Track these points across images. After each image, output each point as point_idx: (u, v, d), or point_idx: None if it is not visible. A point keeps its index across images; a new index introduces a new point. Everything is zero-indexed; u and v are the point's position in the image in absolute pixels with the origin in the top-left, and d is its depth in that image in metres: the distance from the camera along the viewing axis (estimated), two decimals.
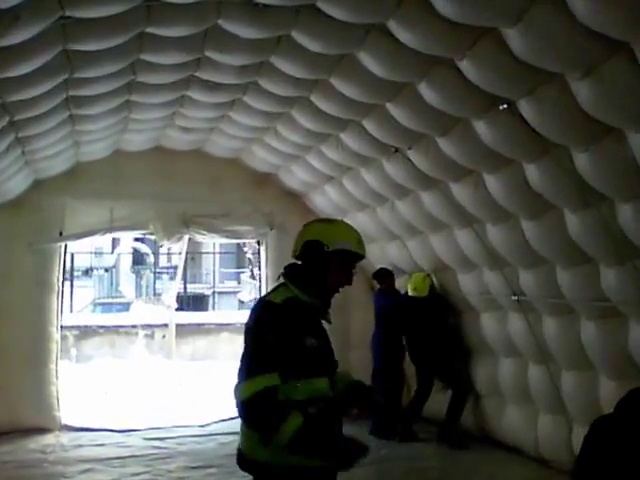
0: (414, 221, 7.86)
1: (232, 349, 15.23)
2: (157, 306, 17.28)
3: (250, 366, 3.00)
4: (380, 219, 8.27)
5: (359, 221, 8.83)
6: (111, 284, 25.73)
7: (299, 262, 3.24)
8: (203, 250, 27.43)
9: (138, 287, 25.70)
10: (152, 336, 15.37)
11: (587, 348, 6.26)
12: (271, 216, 9.58)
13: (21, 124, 5.90)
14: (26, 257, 8.65)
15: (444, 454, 7.89)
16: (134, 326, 15.64)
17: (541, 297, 6.72)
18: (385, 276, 8.84)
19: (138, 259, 28.14)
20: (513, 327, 7.42)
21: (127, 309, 20.84)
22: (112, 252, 25.99)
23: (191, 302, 24.04)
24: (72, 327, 14.44)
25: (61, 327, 9.43)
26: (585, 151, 4.86)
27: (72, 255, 20.70)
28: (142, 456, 7.81)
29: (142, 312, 17.69)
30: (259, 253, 10.00)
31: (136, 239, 25.33)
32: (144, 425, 9.17)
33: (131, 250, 27.27)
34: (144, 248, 26.33)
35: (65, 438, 8.52)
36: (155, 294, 24.23)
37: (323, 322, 3.28)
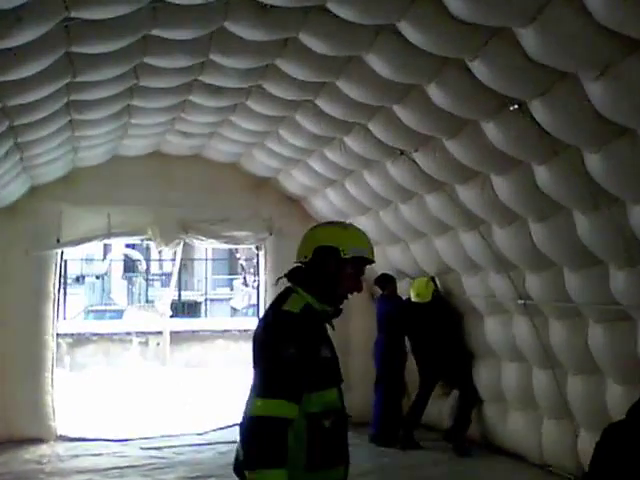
0: (418, 224, 7.79)
1: (227, 356, 15.22)
2: (151, 313, 17.19)
3: (271, 383, 2.81)
4: (383, 222, 8.19)
5: (361, 225, 8.60)
6: (103, 291, 25.56)
7: (303, 267, 3.10)
8: (195, 257, 27.29)
9: (130, 294, 25.55)
10: (146, 343, 15.28)
11: (594, 352, 6.20)
12: (270, 221, 9.49)
13: (20, 129, 5.80)
14: (22, 264, 8.53)
15: (447, 462, 7.81)
16: (128, 333, 15.54)
17: (548, 300, 6.66)
18: (387, 281, 8.78)
19: (129, 266, 27.98)
20: (518, 331, 7.36)
21: (120, 316, 20.69)
22: (104, 259, 25.80)
23: (183, 309, 23.91)
24: (65, 335, 14.29)
25: (57, 335, 9.31)
26: (597, 152, 4.80)
27: (65, 262, 20.55)
28: (140, 466, 7.71)
29: (136, 319, 17.57)
30: (258, 259, 9.89)
31: (127, 246, 25.20)
32: (141, 434, 9.05)
33: (122, 257, 27.11)
34: (136, 255, 26.19)
35: (61, 448, 8.38)
36: (147, 301, 24.09)
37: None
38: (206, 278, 28.92)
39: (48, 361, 8.82)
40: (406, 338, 8.71)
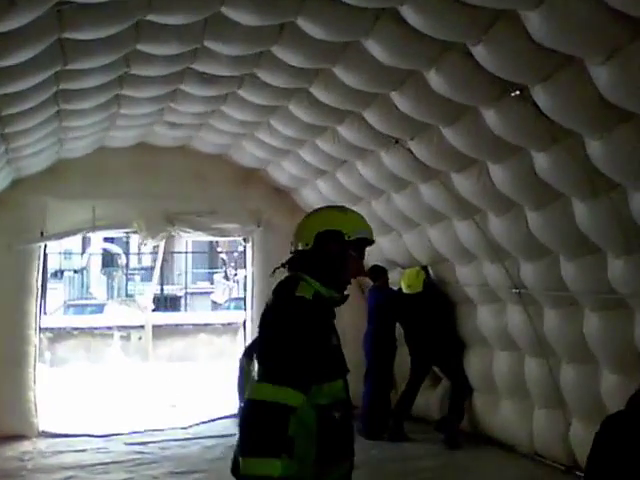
0: (411, 213, 7.72)
1: (210, 350, 15.11)
2: (132, 307, 17.00)
3: (279, 369, 2.70)
4: (375, 212, 8.11)
5: None
6: (82, 286, 25.27)
7: (301, 255, 3.01)
8: (175, 250, 27.06)
9: (110, 289, 25.28)
10: (128, 338, 15.12)
11: (589, 340, 6.18)
12: (258, 213, 9.38)
13: (7, 120, 5.62)
14: (5, 259, 8.34)
15: (437, 454, 7.76)
16: (109, 328, 15.35)
17: (543, 289, 6.62)
18: (379, 273, 8.71)
19: (108, 260, 27.69)
20: (511, 319, 7.33)
21: (101, 311, 20.46)
22: (83, 253, 25.50)
23: (165, 303, 23.71)
24: (46, 329, 14.06)
25: (41, 330, 9.16)
26: (600, 138, 4.74)
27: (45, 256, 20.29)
28: (125, 462, 7.59)
29: (117, 314, 17.38)
30: (245, 251, 9.77)
31: (106, 240, 24.92)
32: (124, 429, 8.91)
33: (101, 251, 26.82)
34: (115, 249, 25.92)
35: (43, 444, 8.23)
36: (127, 295, 23.86)
37: None
38: (186, 272, 28.73)
39: (31, 357, 8.66)
40: (398, 328, 8.66)
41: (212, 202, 9.21)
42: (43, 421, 8.68)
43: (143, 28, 4.73)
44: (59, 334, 14.77)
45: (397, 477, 7.20)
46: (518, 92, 4.91)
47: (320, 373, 2.79)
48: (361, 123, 6.46)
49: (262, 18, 4.74)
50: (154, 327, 13.73)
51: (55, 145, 7.34)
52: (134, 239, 28.14)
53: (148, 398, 11.10)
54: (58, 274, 25.73)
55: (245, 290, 9.87)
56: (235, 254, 29.00)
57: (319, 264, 2.95)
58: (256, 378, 2.74)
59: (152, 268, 29.87)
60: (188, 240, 24.90)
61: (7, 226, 8.34)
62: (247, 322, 9.47)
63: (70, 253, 26.13)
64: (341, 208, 3.19)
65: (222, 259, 29.45)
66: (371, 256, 8.64)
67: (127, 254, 27.18)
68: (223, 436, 8.29)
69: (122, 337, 15.10)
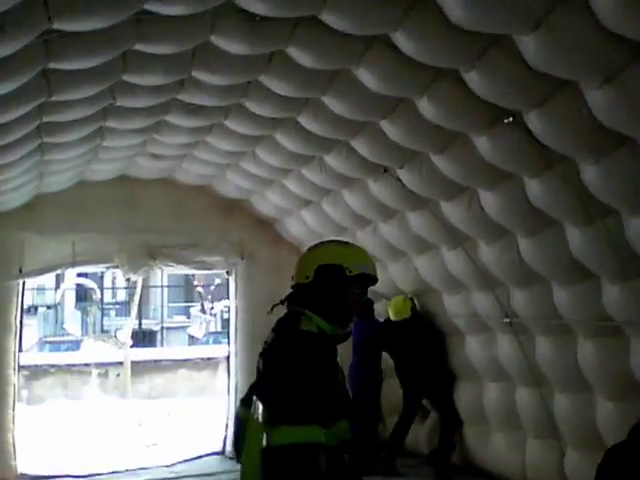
0: (398, 243, 7.63)
1: (190, 386, 14.89)
2: (108, 344, 16.72)
3: (298, 407, 2.55)
4: (360, 243, 8.00)
5: None
6: (56, 322, 24.84)
7: (301, 289, 2.91)
8: (150, 284, 26.76)
9: (84, 324, 24.87)
10: (106, 375, 14.86)
11: (584, 368, 6.11)
12: (241, 245, 9.25)
13: None
14: None
15: None
16: (87, 365, 15.07)
17: (535, 317, 6.55)
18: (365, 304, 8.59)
19: (82, 295, 27.31)
20: (502, 349, 7.23)
21: (77, 347, 20.08)
22: (57, 288, 25.08)
23: (144, 338, 23.38)
24: (22, 367, 13.72)
25: (20, 367, 8.91)
26: (596, 163, 4.70)
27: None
28: None
29: (93, 350, 17.06)
30: (228, 284, 9.62)
31: (79, 275, 24.57)
32: (105, 469, 8.66)
33: (75, 286, 26.43)
34: (89, 283, 25.56)
35: None
36: (103, 331, 23.50)
37: None
38: (162, 306, 28.42)
39: (9, 397, 8.40)
40: (384, 360, 8.54)
41: (194, 235, 9.07)
42: (22, 463, 8.38)
43: (130, 58, 4.65)
44: (35, 372, 14.46)
45: None
46: (511, 119, 4.86)
47: (329, 412, 2.66)
48: (349, 152, 6.39)
49: (252, 47, 4.67)
50: (132, 363, 13.49)
51: (35, 179, 7.19)
52: (108, 274, 28.05)
53: (128, 436, 10.85)
54: (31, 310, 25.29)
55: (228, 324, 9.69)
56: (212, 287, 28.79)
57: (319, 299, 2.84)
58: (263, 421, 2.60)
59: (127, 303, 29.64)
60: (164, 273, 24.68)
61: None
62: (231, 356, 9.27)
63: (43, 288, 25.71)
64: (343, 242, 3.11)
65: (198, 292, 29.20)
66: None
67: (101, 289, 26.82)
68: (208, 475, 8.10)
69: (100, 374, 14.85)
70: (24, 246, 8.34)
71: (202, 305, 28.16)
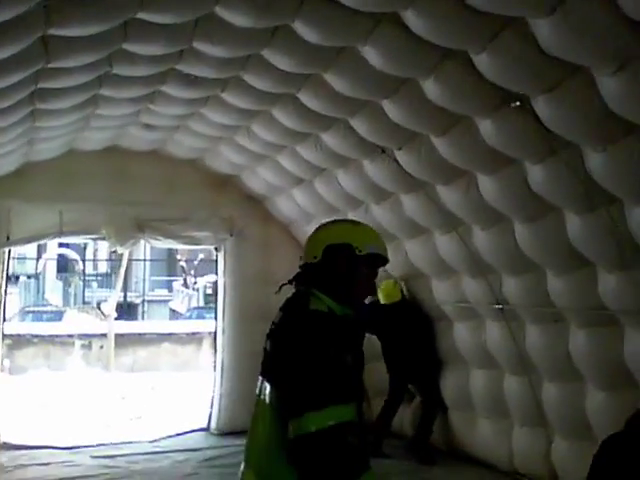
0: (390, 226, 7.52)
1: (173, 360, 14.84)
2: (91, 315, 16.63)
3: (322, 390, 2.46)
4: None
5: None
6: (37, 292, 24.66)
7: (309, 269, 2.82)
8: (133, 257, 26.61)
9: (66, 295, 24.71)
10: (89, 346, 14.77)
11: (575, 357, 6.08)
12: (231, 222, 9.12)
13: None
14: None
15: (412, 471, 7.57)
16: (70, 336, 14.95)
17: (527, 305, 6.50)
18: None
19: (63, 266, 27.13)
20: (491, 337, 7.18)
21: (59, 318, 19.94)
22: (39, 258, 24.88)
23: (128, 311, 23.28)
24: (5, 336, 13.62)
25: (3, 336, 8.81)
26: (603, 151, 4.64)
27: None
28: (93, 476, 7.26)
29: (76, 321, 16.96)
30: (216, 260, 9.51)
31: (61, 245, 24.37)
32: (89, 441, 8.56)
33: (56, 256, 26.24)
34: (71, 254, 25.38)
35: (4, 457, 7.83)
36: (84, 302, 23.37)
37: None
38: (144, 279, 28.32)
39: None
40: (374, 342, 8.48)
41: (184, 209, 8.94)
42: (4, 432, 8.30)
43: (132, 26, 4.50)
44: (18, 341, 14.36)
45: None
46: (518, 103, 4.78)
47: (343, 391, 2.55)
48: (347, 131, 6.28)
49: (257, 20, 4.54)
50: (116, 336, 13.40)
51: (25, 146, 7.02)
52: (90, 245, 27.86)
53: (112, 409, 10.77)
54: (12, 279, 25.10)
55: (215, 300, 9.60)
56: (195, 262, 28.72)
57: (328, 279, 2.76)
58: (270, 402, 2.56)
59: (109, 274, 29.50)
60: (146, 246, 24.55)
61: None
62: (218, 333, 9.19)
63: (24, 258, 25.49)
64: (353, 221, 3.04)
65: (182, 267, 29.14)
66: None
67: (83, 260, 26.64)
68: (194, 450, 8.04)
69: (83, 345, 14.75)
70: (11, 213, 8.18)
71: (185, 280, 28.09)
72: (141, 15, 4.31)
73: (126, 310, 23.89)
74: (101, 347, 14.19)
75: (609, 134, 4.53)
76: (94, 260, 29.27)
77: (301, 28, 4.61)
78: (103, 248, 28.57)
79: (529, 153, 5.25)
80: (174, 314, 24.80)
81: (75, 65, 4.82)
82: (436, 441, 8.01)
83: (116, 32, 4.49)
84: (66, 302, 24.02)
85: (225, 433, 8.77)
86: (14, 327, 16.25)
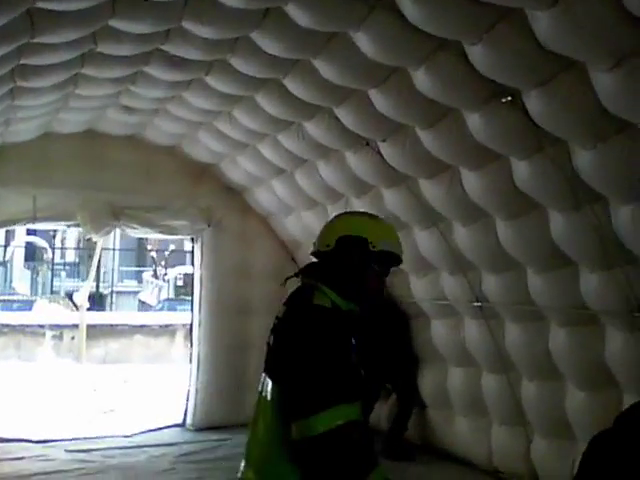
0: None
1: (146, 352, 14.66)
2: (62, 305, 16.38)
3: (321, 391, 2.40)
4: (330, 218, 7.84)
5: (305, 220, 8.41)
6: (5, 280, 24.23)
7: (319, 261, 2.78)
8: (102, 246, 26.26)
9: (34, 284, 24.31)
10: (60, 337, 14.51)
11: (555, 356, 6.07)
12: (208, 212, 8.98)
13: None
14: None
15: (390, 468, 7.48)
16: (41, 326, 14.69)
17: (507, 303, 6.46)
18: None
19: (31, 254, 26.70)
20: (469, 334, 7.15)
21: (29, 308, 19.60)
22: (6, 246, 24.45)
23: (101, 302, 22.98)
24: None
25: None
26: (592, 148, 4.59)
27: None
28: (69, 471, 7.09)
29: (46, 311, 16.68)
30: (193, 251, 9.38)
31: (29, 232, 23.98)
32: (63, 435, 8.38)
33: (24, 244, 25.81)
34: (41, 242, 24.98)
35: None
36: (52, 292, 23.02)
37: None
38: (113, 269, 27.98)
39: None
40: None
41: (161, 198, 8.78)
42: None
43: (120, 2, 4.38)
44: None
45: None
46: (510, 98, 4.73)
47: (347, 388, 2.50)
48: (332, 120, 6.18)
49: (250, 0, 4.44)
50: (88, 327, 13.19)
51: (0, 127, 6.83)
52: (59, 233, 27.41)
53: (84, 401, 10.58)
54: None
55: (192, 292, 9.46)
56: (166, 252, 28.44)
57: (336, 271, 2.70)
58: (272, 399, 2.49)
59: (77, 264, 29.10)
60: (116, 236, 24.25)
61: None
62: (194, 326, 9.05)
63: None
64: (371, 215, 2.95)
65: (152, 257, 28.85)
66: None
67: (52, 248, 26.25)
68: (170, 445, 7.93)
69: (54, 336, 14.49)
70: None
71: (155, 271, 27.82)
72: None
73: (97, 301, 23.64)
74: (72, 338, 14.00)
75: (600, 131, 4.48)
76: (62, 249, 28.86)
77: (294, 11, 4.51)
78: (72, 237, 28.22)
79: (516, 149, 5.20)
80: (143, 306, 24.54)
81: (60, 41, 4.67)
82: (414, 438, 7.97)
83: (104, 7, 4.36)
84: (34, 291, 23.62)
85: (201, 428, 8.67)
86: None
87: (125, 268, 29.47)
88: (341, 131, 6.26)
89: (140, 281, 28.50)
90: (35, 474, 6.94)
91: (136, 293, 26.60)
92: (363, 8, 4.41)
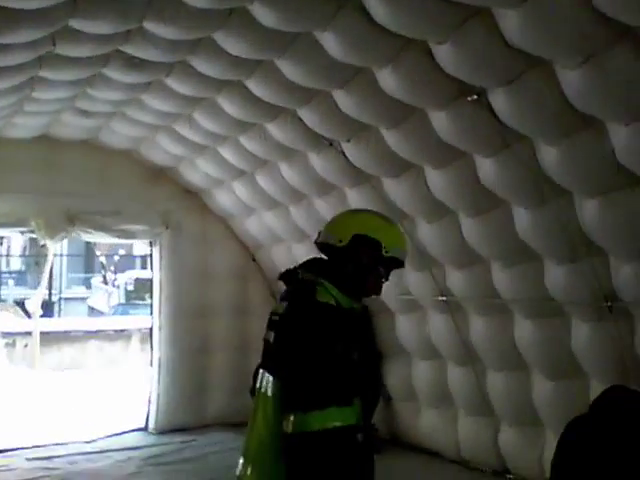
0: None
1: (101, 358, 14.44)
2: (11, 313, 16.03)
3: (322, 390, 2.40)
4: (292, 218, 7.80)
5: (266, 220, 8.37)
6: None
7: (323, 255, 2.80)
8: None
9: None
10: (13, 345, 14.19)
11: (521, 348, 6.15)
12: (167, 215, 8.86)
13: None
14: None
15: None
16: None
17: (472, 297, 6.52)
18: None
19: None
20: (434, 328, 7.19)
21: None
22: None
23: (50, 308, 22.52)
24: None
25: None
26: (558, 144, 4.65)
27: None
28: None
29: None
30: (151, 255, 9.24)
31: None
32: (23, 443, 8.13)
33: None
34: None
35: None
36: (0, 300, 22.51)
37: None
38: (61, 275, 27.48)
39: None
40: None
41: (117, 202, 8.62)
42: None
43: (80, 1, 4.26)
44: None
45: None
46: (476, 96, 4.75)
47: (349, 388, 2.51)
48: (295, 121, 6.15)
49: (215, 0, 4.37)
50: (40, 334, 12.93)
51: None
52: (5, 240, 26.78)
53: (39, 409, 10.33)
54: None
55: (152, 296, 9.32)
56: (115, 257, 28.05)
57: (344, 268, 2.71)
58: (273, 395, 2.49)
59: (23, 272, 28.49)
60: (64, 241, 23.81)
61: None
62: (154, 329, 8.92)
63: None
64: (388, 219, 2.96)
65: (101, 262, 28.43)
66: (281, 262, 8.35)
67: None
68: (134, 449, 7.81)
69: (7, 344, 14.16)
70: None
71: (104, 276, 27.43)
72: None
73: (45, 307, 23.19)
74: (25, 345, 13.73)
75: (565, 128, 4.54)
76: (7, 256, 28.24)
77: (259, 10, 4.45)
78: (16, 244, 27.64)
79: (482, 147, 5.24)
80: (93, 312, 24.16)
81: (18, 42, 4.54)
82: (381, 432, 7.93)
83: (65, 7, 4.25)
84: None
85: (164, 431, 8.56)
86: None
87: (73, 274, 28.97)
88: (304, 132, 6.24)
89: (89, 287, 28.05)
90: None
91: (85, 299, 26.18)
92: (331, 7, 4.38)
